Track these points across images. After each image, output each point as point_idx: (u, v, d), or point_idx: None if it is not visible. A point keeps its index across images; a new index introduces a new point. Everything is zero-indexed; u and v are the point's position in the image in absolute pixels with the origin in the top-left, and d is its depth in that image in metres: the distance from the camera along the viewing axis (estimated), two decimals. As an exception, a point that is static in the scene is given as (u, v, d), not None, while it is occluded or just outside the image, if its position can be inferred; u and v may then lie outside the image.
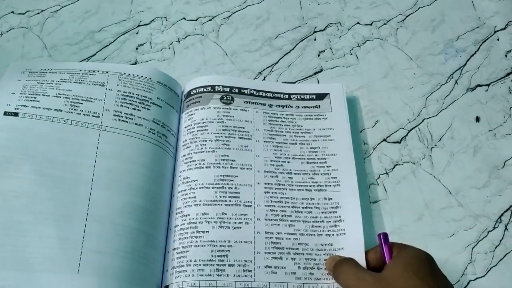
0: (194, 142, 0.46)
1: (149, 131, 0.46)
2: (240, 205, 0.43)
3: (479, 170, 0.51)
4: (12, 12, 0.61)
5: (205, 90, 0.49)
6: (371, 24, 0.62)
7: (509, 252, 0.46)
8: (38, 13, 0.60)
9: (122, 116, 0.46)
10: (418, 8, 0.64)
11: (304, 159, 0.46)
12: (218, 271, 0.39)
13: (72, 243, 0.38)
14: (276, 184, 0.44)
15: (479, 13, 0.63)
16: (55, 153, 0.42)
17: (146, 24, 0.61)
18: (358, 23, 0.62)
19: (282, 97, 0.51)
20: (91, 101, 0.46)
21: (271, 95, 0.50)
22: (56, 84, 0.47)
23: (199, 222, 0.41)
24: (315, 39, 0.60)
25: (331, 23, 0.62)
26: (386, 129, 0.53)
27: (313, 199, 0.44)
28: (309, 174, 0.45)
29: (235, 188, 0.43)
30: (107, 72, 0.49)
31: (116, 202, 0.41)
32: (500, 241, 0.46)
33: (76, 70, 0.49)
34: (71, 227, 0.38)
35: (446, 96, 0.56)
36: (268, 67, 0.57)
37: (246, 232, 0.41)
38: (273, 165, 0.45)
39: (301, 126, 0.49)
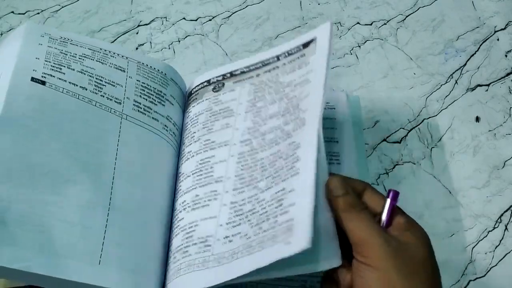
0: (186, 137, 0.46)
1: (163, 127, 0.44)
2: (212, 182, 0.40)
3: (479, 170, 0.51)
4: (12, 12, 0.60)
5: (202, 86, 0.49)
6: (371, 24, 0.62)
7: (509, 252, 0.46)
8: (38, 13, 0.60)
9: (141, 108, 0.44)
10: (418, 8, 0.64)
11: (280, 113, 0.42)
12: (183, 253, 0.38)
13: (95, 232, 0.36)
14: (249, 151, 0.41)
15: (479, 13, 0.63)
16: (80, 135, 0.39)
17: (146, 24, 0.61)
18: (358, 23, 0.62)
19: (271, 61, 0.47)
20: (114, 86, 0.43)
21: (261, 65, 0.47)
22: (79, 58, 0.43)
23: (179, 212, 0.41)
24: (315, 39, 0.60)
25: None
26: (386, 129, 0.53)
27: (280, 150, 0.39)
28: (281, 127, 0.41)
29: (211, 168, 0.41)
30: (126, 58, 0.46)
31: (136, 196, 0.40)
32: (500, 241, 0.46)
33: (97, 48, 0.45)
34: (94, 216, 0.37)
35: (446, 96, 0.56)
36: (268, 67, 0.57)
37: (213, 208, 0.39)
38: (249, 132, 0.42)
39: (284, 82, 0.44)
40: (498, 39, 0.61)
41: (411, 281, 0.30)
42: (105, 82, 0.43)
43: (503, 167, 0.51)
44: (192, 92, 0.49)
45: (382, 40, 0.60)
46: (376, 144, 0.52)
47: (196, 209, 0.40)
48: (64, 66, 0.41)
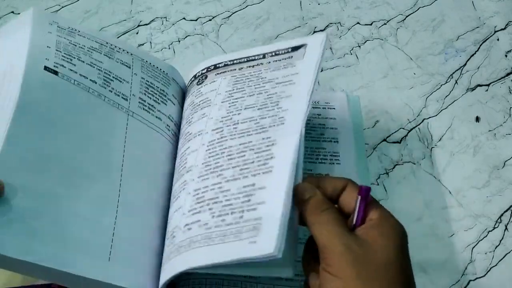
0: (176, 136, 0.46)
1: (165, 126, 0.44)
2: (184, 174, 0.40)
3: (479, 170, 0.51)
4: (12, 12, 0.61)
5: (190, 82, 0.49)
6: (371, 24, 0.62)
7: (509, 252, 0.46)
8: (38, 13, 0.60)
9: (145, 106, 0.43)
10: (418, 8, 0.64)
11: (256, 106, 0.41)
12: (158, 251, 0.38)
13: (105, 228, 0.35)
14: (218, 139, 0.39)
15: (479, 13, 0.63)
16: (90, 128, 0.38)
17: (146, 24, 0.61)
18: (358, 23, 0.62)
19: (256, 58, 0.46)
20: (120, 81, 0.42)
21: (245, 60, 0.46)
22: (88, 51, 0.42)
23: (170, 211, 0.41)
24: (315, 39, 0.60)
25: (331, 23, 0.62)
26: (386, 129, 0.53)
27: (251, 142, 0.38)
28: (256, 119, 0.40)
29: (185, 159, 0.41)
30: (131, 55, 0.45)
31: (142, 195, 0.39)
32: (500, 241, 0.46)
33: (103, 42, 0.44)
34: (104, 211, 0.36)
35: (446, 96, 0.56)
36: (268, 67, 0.57)
37: (181, 199, 0.38)
38: (222, 121, 0.41)
39: (265, 77, 0.43)
40: (498, 39, 0.61)
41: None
42: (113, 77, 0.42)
43: (503, 167, 0.51)
44: (185, 90, 0.49)
45: (382, 40, 0.60)
46: (376, 144, 0.52)
47: (173, 204, 0.39)
48: (75, 58, 0.40)
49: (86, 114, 0.39)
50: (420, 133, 0.53)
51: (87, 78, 0.40)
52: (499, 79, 0.58)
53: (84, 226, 0.34)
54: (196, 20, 0.61)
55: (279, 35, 0.60)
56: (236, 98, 0.42)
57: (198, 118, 0.43)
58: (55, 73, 0.38)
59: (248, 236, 0.32)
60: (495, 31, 0.61)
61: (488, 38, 0.61)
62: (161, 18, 0.61)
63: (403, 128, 0.53)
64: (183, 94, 0.49)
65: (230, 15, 0.62)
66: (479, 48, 0.60)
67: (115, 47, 0.44)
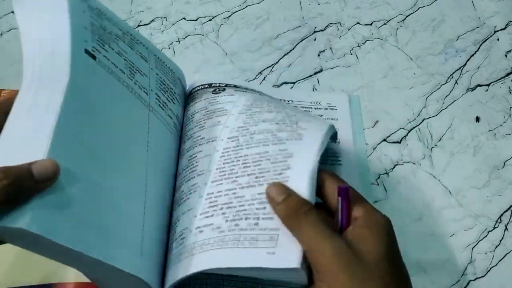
0: (183, 135, 0.46)
1: (174, 125, 0.43)
2: (194, 176, 0.39)
3: (479, 170, 0.51)
4: (12, 12, 0.60)
5: (202, 87, 0.49)
6: (371, 24, 0.62)
7: (509, 252, 0.46)
8: (38, 13, 0.60)
9: (161, 102, 0.41)
10: (418, 8, 0.64)
11: (274, 121, 0.41)
12: (169, 250, 0.37)
13: (137, 223, 0.34)
14: (234, 147, 0.40)
15: (479, 13, 0.63)
16: (120, 120, 0.36)
17: (146, 24, 0.61)
18: (358, 23, 0.62)
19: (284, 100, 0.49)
20: (142, 74, 0.40)
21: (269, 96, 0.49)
22: (115, 38, 0.39)
23: (172, 210, 0.40)
24: (315, 39, 0.60)
25: (331, 23, 0.62)
26: (386, 129, 0.53)
27: (267, 152, 0.38)
28: (273, 132, 0.40)
29: (196, 162, 0.40)
30: (147, 48, 0.42)
31: (159, 192, 0.38)
32: (500, 241, 0.46)
33: (125, 30, 0.41)
34: (135, 206, 0.34)
35: (446, 96, 0.56)
36: (268, 67, 0.57)
37: (192, 200, 0.38)
38: (238, 130, 0.41)
39: (286, 102, 0.44)
40: (498, 39, 0.61)
41: None
42: (135, 69, 0.40)
43: (503, 167, 0.51)
44: (192, 92, 0.49)
45: (382, 40, 0.60)
46: (376, 144, 0.52)
47: (180, 205, 0.39)
48: (106, 44, 0.37)
49: (118, 103, 0.37)
50: (420, 133, 0.53)
51: (117, 67, 0.37)
52: (499, 79, 0.58)
53: (122, 219, 0.33)
54: (196, 20, 0.61)
55: (279, 35, 0.60)
56: (254, 112, 0.43)
57: (213, 125, 0.43)
58: (93, 57, 0.35)
59: (265, 245, 0.32)
60: (495, 31, 0.61)
61: (488, 38, 0.61)
62: (161, 18, 0.61)
63: (403, 128, 0.53)
64: (184, 95, 0.49)
65: (230, 15, 0.62)
66: (479, 48, 0.60)
67: (134, 37, 0.42)
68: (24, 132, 0.30)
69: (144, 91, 0.40)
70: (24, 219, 0.26)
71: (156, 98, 0.41)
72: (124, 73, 0.38)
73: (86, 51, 0.35)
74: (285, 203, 0.31)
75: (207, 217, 0.36)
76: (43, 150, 0.29)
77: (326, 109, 0.52)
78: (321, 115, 0.51)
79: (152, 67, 0.42)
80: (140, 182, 0.36)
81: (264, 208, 0.34)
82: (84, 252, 0.28)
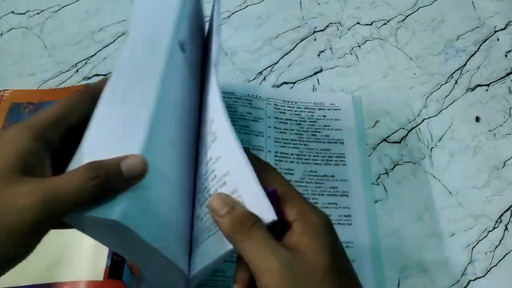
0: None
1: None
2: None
3: (479, 170, 0.51)
4: (12, 12, 0.60)
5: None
6: (371, 24, 0.62)
7: (509, 252, 0.46)
8: (38, 13, 0.60)
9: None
10: (418, 8, 0.64)
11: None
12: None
13: (187, 224, 0.33)
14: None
15: (479, 13, 0.63)
16: (187, 117, 0.35)
17: (146, 24, 0.61)
18: (358, 23, 0.62)
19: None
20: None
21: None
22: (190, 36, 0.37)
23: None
24: (315, 39, 0.60)
25: (331, 23, 0.62)
26: (386, 129, 0.53)
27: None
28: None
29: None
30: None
31: (191, 193, 0.36)
32: (500, 241, 0.46)
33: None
34: (186, 210, 0.33)
35: (446, 96, 0.56)
36: (268, 67, 0.57)
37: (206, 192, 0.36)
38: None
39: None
40: (498, 39, 0.61)
41: None
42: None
43: (503, 167, 0.51)
44: None
45: (382, 40, 0.60)
46: (376, 144, 0.52)
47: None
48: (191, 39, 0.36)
49: (189, 99, 0.35)
50: (420, 133, 0.53)
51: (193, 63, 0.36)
52: (499, 79, 0.58)
53: (184, 218, 0.32)
54: (196, 20, 0.61)
55: (279, 35, 0.60)
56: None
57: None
58: (183, 50, 0.34)
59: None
60: (495, 31, 0.61)
61: (488, 38, 0.61)
62: (161, 18, 0.61)
63: (403, 128, 0.53)
64: None
65: (230, 15, 0.62)
66: (479, 48, 0.60)
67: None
68: (117, 124, 0.28)
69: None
70: (116, 213, 0.25)
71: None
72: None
73: (180, 44, 0.33)
74: (229, 216, 0.28)
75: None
76: (138, 146, 0.27)
77: (330, 109, 0.52)
78: (325, 116, 0.51)
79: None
80: (190, 184, 0.35)
81: (215, 176, 0.31)
82: (160, 250, 0.27)
